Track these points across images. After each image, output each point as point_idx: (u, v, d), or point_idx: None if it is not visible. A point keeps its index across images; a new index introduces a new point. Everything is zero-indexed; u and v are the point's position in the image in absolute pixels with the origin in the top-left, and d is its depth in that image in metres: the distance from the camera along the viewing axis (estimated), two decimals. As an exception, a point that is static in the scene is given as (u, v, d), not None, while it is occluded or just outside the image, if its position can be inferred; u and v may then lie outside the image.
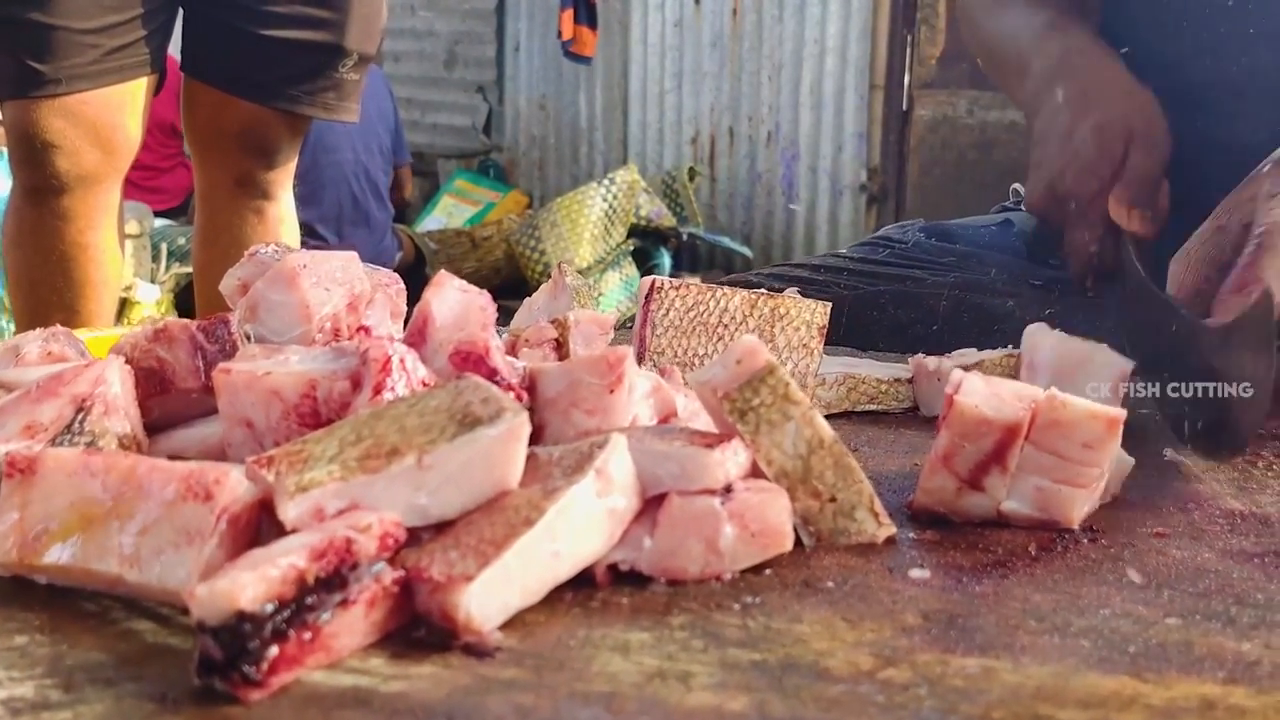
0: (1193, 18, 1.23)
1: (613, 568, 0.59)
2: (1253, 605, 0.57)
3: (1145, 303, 0.92)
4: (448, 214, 5.97)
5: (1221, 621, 0.55)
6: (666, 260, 5.00)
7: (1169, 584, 0.60)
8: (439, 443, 0.58)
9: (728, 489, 0.61)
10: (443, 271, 0.74)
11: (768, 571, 0.61)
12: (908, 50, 5.03)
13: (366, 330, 0.74)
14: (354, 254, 0.82)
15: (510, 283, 5.13)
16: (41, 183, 1.81)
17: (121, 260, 1.99)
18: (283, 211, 2.09)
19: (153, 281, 3.87)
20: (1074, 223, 1.07)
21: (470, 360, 0.69)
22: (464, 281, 0.74)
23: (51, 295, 1.88)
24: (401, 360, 0.66)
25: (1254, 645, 0.52)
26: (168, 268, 4.00)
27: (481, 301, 0.73)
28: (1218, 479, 0.79)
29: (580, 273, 4.63)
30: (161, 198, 4.52)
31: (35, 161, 1.80)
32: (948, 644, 0.53)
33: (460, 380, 0.62)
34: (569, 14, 5.37)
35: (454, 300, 0.73)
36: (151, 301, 3.74)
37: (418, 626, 0.54)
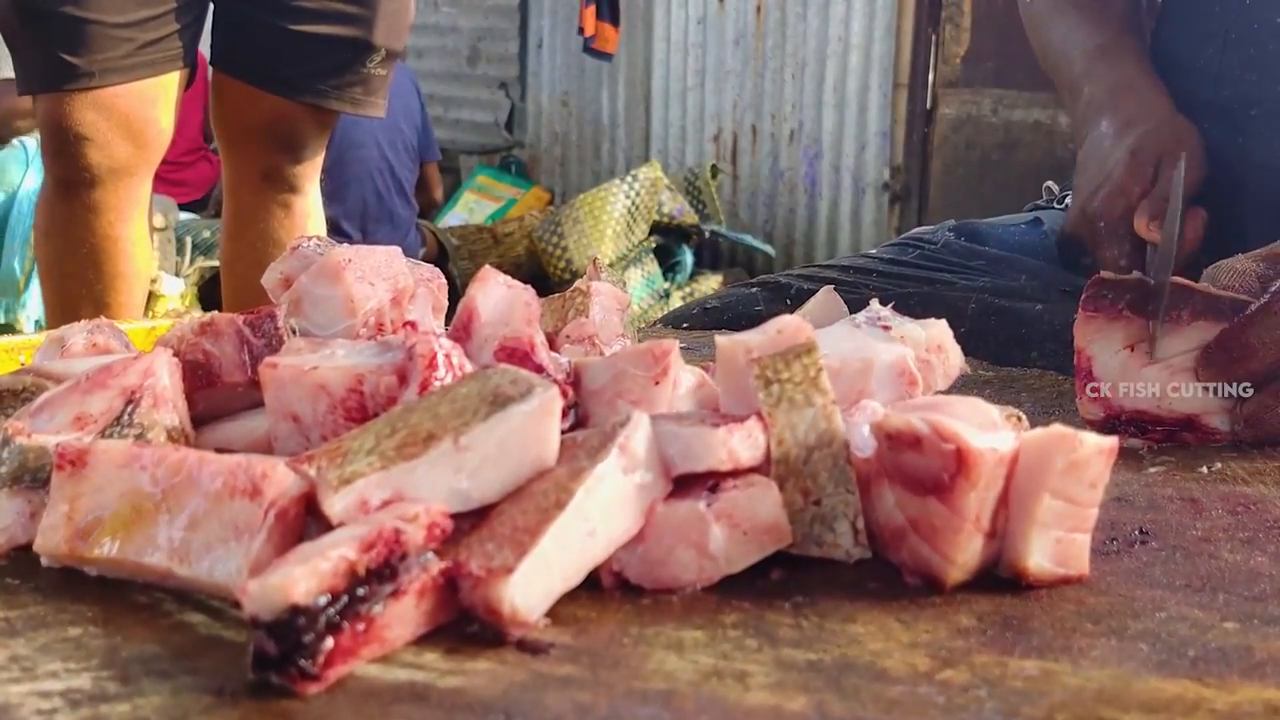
0: (1241, 32, 1.22)
1: (618, 573, 0.59)
2: (1311, 610, 0.56)
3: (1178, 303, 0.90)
4: (469, 210, 5.97)
5: (1280, 626, 0.54)
6: (689, 258, 5.00)
7: (1223, 587, 0.60)
8: (473, 424, 0.58)
9: (714, 488, 0.59)
10: (487, 267, 0.74)
11: (814, 571, 0.61)
12: (932, 49, 5.01)
13: (413, 325, 0.74)
14: (397, 249, 0.82)
15: (532, 279, 5.06)
16: (73, 175, 1.82)
17: (151, 253, 2.00)
18: (309, 206, 2.09)
19: (177, 274, 3.89)
20: (1102, 242, 1.08)
21: (516, 356, 0.69)
22: (508, 277, 0.74)
23: (81, 288, 1.89)
24: (448, 355, 0.66)
25: (1316, 650, 0.52)
26: (191, 261, 4.01)
27: (526, 297, 0.73)
28: (1264, 482, 0.78)
29: (602, 269, 4.64)
30: (185, 191, 4.54)
31: (67, 154, 1.80)
32: (1005, 645, 0.53)
33: (487, 368, 0.62)
34: (591, 10, 5.37)
35: (499, 296, 0.73)
36: (175, 294, 3.75)
37: (469, 621, 0.54)
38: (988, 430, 0.59)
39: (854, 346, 0.71)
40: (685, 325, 1.37)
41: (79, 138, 1.79)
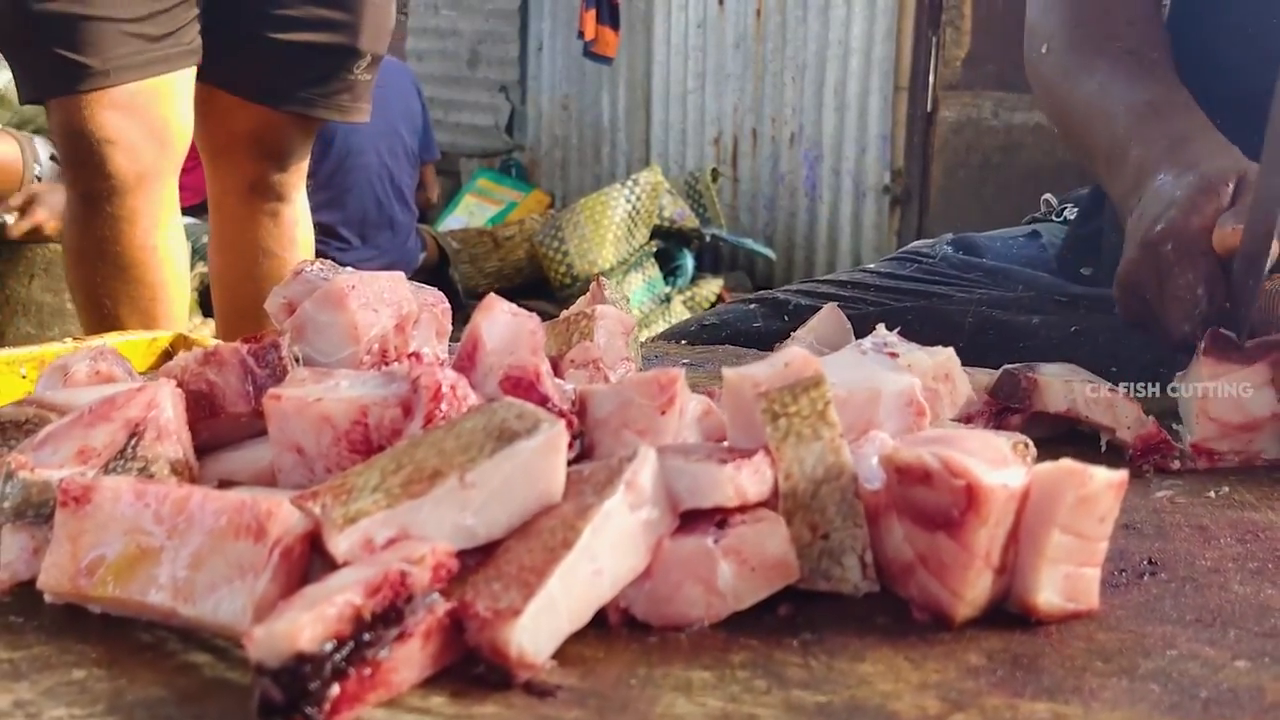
0: (1259, 27, 1.21)
1: (625, 610, 0.58)
2: (1323, 648, 0.56)
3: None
4: (469, 213, 5.97)
5: (1293, 665, 0.54)
6: (689, 262, 4.99)
7: (1234, 622, 0.59)
8: (479, 460, 0.57)
9: (721, 524, 0.59)
10: (492, 295, 0.73)
11: (823, 605, 0.61)
12: (932, 52, 5.01)
13: (418, 356, 0.74)
14: (401, 274, 0.81)
15: (532, 282, 5.12)
16: (99, 184, 1.75)
17: (187, 256, 1.96)
18: (297, 214, 2.06)
19: (178, 281, 3.88)
20: (1172, 268, 0.93)
21: (521, 386, 0.69)
22: (514, 305, 0.73)
23: (124, 303, 1.82)
24: (453, 387, 0.66)
25: (1330, 692, 0.51)
26: (193, 266, 4.00)
27: (531, 325, 0.73)
28: (1272, 508, 0.78)
29: (603, 274, 4.63)
30: (185, 195, 4.52)
31: (91, 162, 1.73)
32: (1015, 686, 0.53)
33: (493, 402, 0.61)
34: (591, 14, 5.37)
35: (503, 324, 0.72)
36: (177, 301, 3.74)
37: (475, 663, 0.54)
38: (998, 465, 0.59)
39: (861, 376, 0.71)
40: (684, 341, 1.37)
41: (103, 141, 1.72)
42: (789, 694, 0.52)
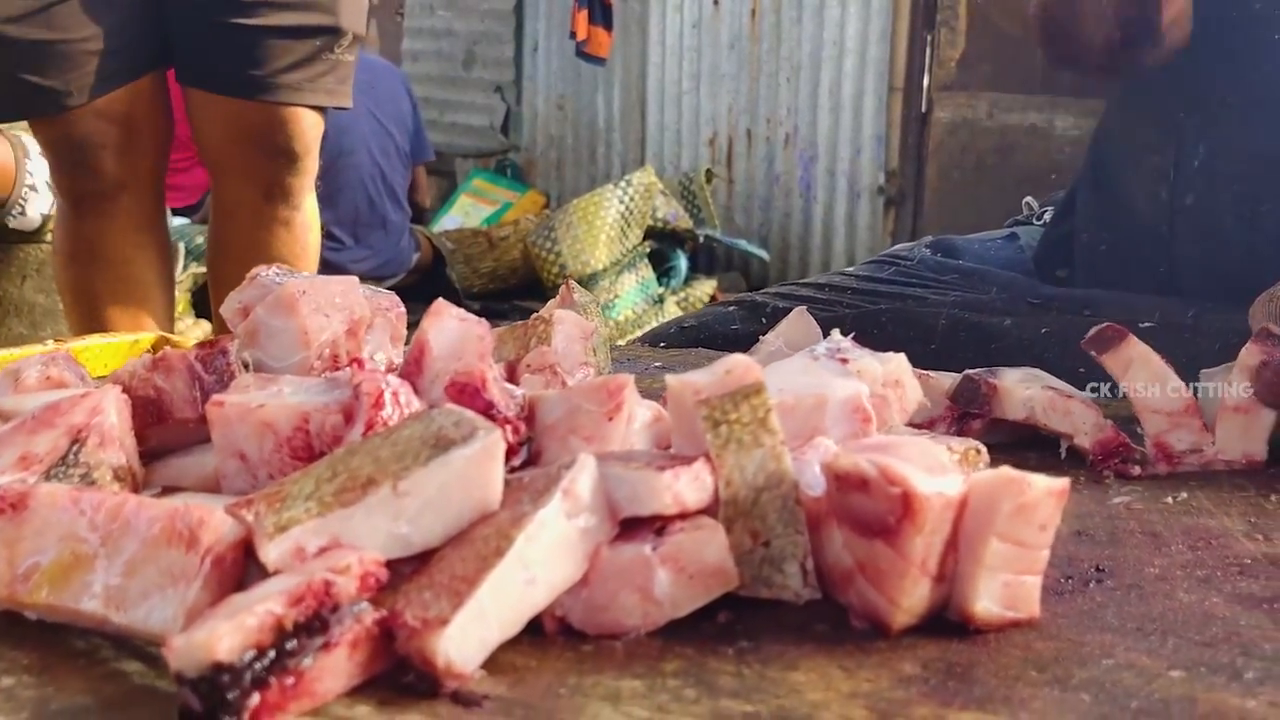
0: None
1: (561, 618, 0.58)
2: (1259, 657, 0.56)
3: None
4: (465, 213, 5.97)
5: (1226, 675, 0.54)
6: (683, 263, 4.99)
7: (1174, 630, 0.59)
8: (413, 468, 0.57)
9: (660, 531, 0.58)
10: (440, 300, 0.73)
11: (762, 613, 0.60)
12: (927, 52, 5.00)
13: (359, 363, 0.73)
14: (354, 279, 0.81)
15: (527, 283, 5.11)
16: (91, 186, 1.77)
17: (175, 257, 1.96)
18: (309, 220, 2.01)
19: (170, 281, 3.87)
20: None
21: (467, 392, 0.69)
22: (462, 310, 0.73)
23: (111, 304, 1.84)
24: (395, 393, 0.66)
25: (1259, 703, 0.51)
26: (185, 267, 4.00)
27: (479, 331, 0.73)
28: (1229, 514, 0.78)
29: (596, 274, 4.63)
30: (177, 195, 4.51)
31: (82, 165, 1.76)
32: (945, 696, 0.52)
33: (434, 409, 0.61)
34: (583, 14, 5.35)
35: (451, 330, 0.72)
36: (168, 302, 3.74)
37: (405, 671, 0.53)
38: (936, 473, 0.59)
39: (808, 382, 0.71)
40: (663, 344, 1.36)
41: (93, 146, 1.74)
42: (717, 703, 0.52)
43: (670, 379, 0.63)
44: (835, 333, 0.80)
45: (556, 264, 4.62)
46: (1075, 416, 0.86)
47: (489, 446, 0.58)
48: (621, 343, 1.49)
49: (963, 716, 0.50)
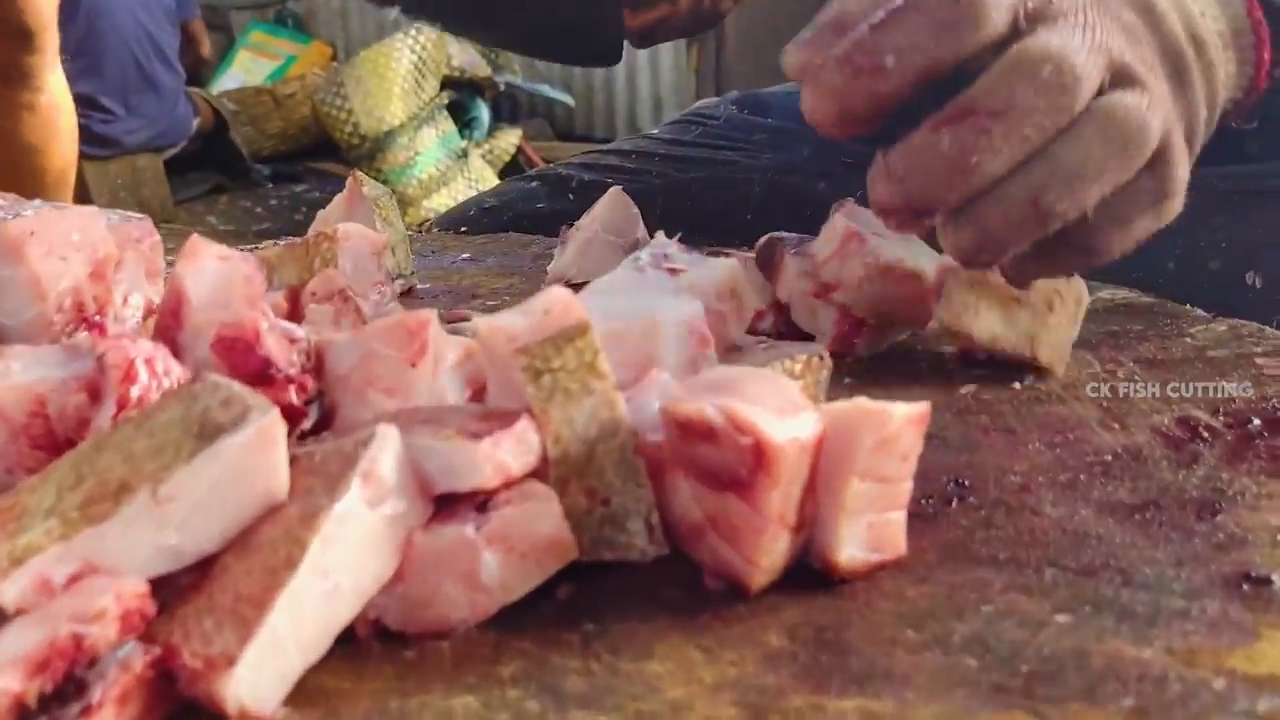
0: None
1: (375, 621, 0.50)
2: (1143, 586, 0.52)
3: None
4: (245, 70, 5.58)
5: (1115, 615, 0.49)
6: (485, 113, 4.78)
7: (1049, 558, 0.55)
8: (175, 466, 0.47)
9: (482, 506, 0.50)
10: (195, 237, 0.61)
11: (608, 580, 0.53)
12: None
13: (101, 329, 0.62)
14: (94, 209, 0.69)
15: (321, 143, 4.84)
16: None
17: None
18: (57, 99, 1.83)
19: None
20: None
21: (237, 349, 0.58)
22: (223, 247, 0.62)
23: None
24: (149, 361, 0.55)
25: (1155, 651, 0.47)
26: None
27: (247, 270, 0.61)
28: (1080, 399, 0.74)
29: (393, 131, 4.40)
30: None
31: None
32: (820, 677, 0.46)
33: (194, 383, 0.51)
34: None
35: (212, 271, 0.61)
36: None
37: (199, 710, 0.44)
38: (788, 414, 0.52)
39: (637, 304, 0.62)
40: (464, 229, 1.26)
41: None
42: (567, 715, 0.45)
43: (480, 324, 0.54)
44: (660, 235, 0.72)
45: (349, 122, 4.37)
46: (819, 317, 0.80)
47: (265, 429, 0.48)
48: (419, 227, 1.38)
49: (843, 706, 0.44)
